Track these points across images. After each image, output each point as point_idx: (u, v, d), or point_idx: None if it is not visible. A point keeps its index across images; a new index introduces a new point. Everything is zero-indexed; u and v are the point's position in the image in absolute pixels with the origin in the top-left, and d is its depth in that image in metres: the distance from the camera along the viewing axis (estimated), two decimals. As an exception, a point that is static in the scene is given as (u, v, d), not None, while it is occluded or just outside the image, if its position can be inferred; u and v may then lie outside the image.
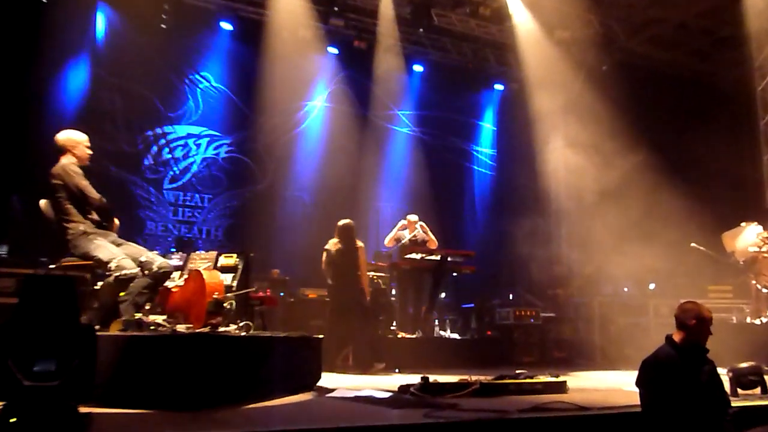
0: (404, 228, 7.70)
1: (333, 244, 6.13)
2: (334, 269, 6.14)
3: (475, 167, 12.01)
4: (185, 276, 5.21)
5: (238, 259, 5.81)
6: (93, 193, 4.32)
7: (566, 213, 10.67)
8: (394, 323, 7.36)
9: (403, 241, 7.63)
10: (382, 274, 7.80)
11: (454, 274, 7.90)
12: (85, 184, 4.30)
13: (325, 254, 6.20)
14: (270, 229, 9.56)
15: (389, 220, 9.88)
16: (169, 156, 9.75)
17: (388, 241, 7.72)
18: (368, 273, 7.45)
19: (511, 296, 9.47)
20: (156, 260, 4.34)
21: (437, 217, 9.26)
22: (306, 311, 7.82)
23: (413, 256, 7.31)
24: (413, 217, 7.80)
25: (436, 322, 8.00)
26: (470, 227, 11.42)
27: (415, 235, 7.61)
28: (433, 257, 7.34)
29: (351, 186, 10.07)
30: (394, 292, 7.86)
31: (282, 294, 8.12)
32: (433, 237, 7.60)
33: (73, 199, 4.25)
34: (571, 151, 9.71)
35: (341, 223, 6.17)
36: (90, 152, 4.49)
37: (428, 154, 11.09)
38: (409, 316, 7.74)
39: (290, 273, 8.70)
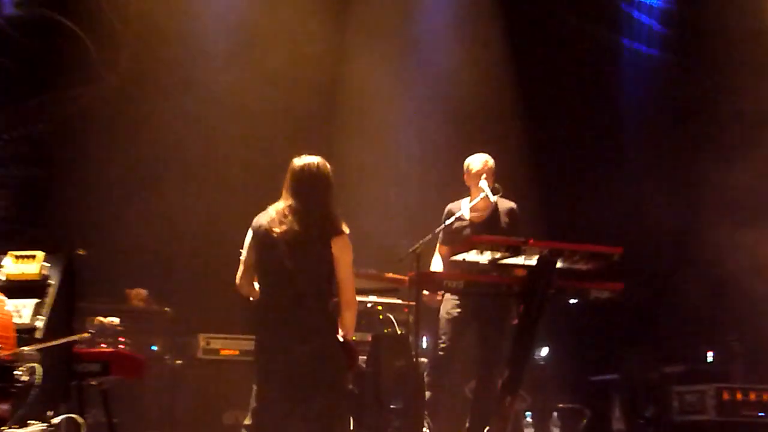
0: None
1: (275, 216, 6.15)
2: (267, 279, 6.14)
3: (625, 46, 12.61)
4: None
5: (47, 265, 6.09)
6: None
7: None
8: (427, 418, 7.50)
9: (450, 220, 7.94)
10: (399, 302, 8.42)
11: (573, 300, 7.61)
12: None
13: (249, 238, 6.23)
14: (126, 194, 9.80)
15: (415, 182, 10.89)
16: None
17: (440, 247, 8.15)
18: (364, 299, 8.15)
19: (710, 356, 9.81)
20: None
21: (530, 171, 10.19)
22: (215, 389, 8.41)
23: (471, 257, 7.00)
24: (480, 160, 8.07)
25: (528, 417, 8.46)
26: (610, 193, 11.60)
27: (483, 200, 7.94)
28: (520, 260, 7.04)
29: (326, 102, 10.70)
30: (425, 343, 8.07)
31: (155, 348, 8.46)
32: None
33: None
34: None
35: (299, 162, 6.27)
36: None
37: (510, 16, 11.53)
38: (464, 400, 8.15)
39: (174, 298, 9.15)
